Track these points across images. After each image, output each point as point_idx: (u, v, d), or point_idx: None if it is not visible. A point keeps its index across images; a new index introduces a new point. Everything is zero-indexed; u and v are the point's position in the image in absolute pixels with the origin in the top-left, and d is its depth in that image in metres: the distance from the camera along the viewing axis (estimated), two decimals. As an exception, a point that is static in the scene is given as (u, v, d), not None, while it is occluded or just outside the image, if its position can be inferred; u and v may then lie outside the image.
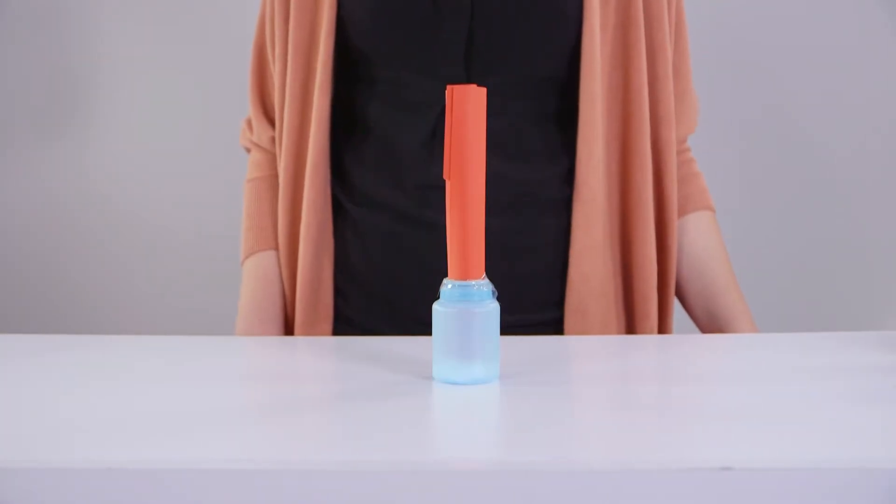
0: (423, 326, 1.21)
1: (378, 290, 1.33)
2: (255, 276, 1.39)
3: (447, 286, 0.98)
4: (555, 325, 1.31)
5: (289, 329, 1.38)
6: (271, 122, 1.42)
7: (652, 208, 1.33)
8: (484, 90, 0.97)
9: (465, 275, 0.98)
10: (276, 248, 1.39)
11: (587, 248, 1.29)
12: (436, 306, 0.98)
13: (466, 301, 0.97)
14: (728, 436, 0.84)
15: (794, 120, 1.95)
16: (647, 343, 1.25)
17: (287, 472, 0.77)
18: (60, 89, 2.00)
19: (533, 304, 1.31)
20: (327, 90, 1.32)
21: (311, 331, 1.34)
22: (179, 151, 2.01)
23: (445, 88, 1.16)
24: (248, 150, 1.47)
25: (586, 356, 1.10)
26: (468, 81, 1.27)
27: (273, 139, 1.41)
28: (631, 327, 1.35)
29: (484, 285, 0.98)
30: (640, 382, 0.99)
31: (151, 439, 0.84)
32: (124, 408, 0.94)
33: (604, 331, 1.31)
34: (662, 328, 1.37)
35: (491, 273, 1.02)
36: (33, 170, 2.01)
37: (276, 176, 1.41)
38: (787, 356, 1.09)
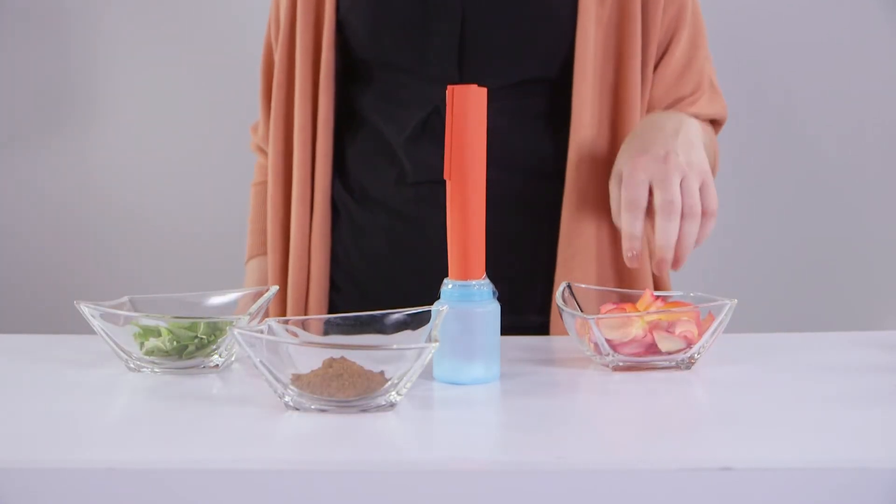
0: None
1: (370, 286, 1.34)
2: (255, 279, 1.44)
3: (447, 286, 0.98)
4: (540, 328, 1.30)
5: None
6: None
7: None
8: (484, 90, 0.97)
9: (465, 275, 0.98)
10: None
11: (578, 253, 1.28)
12: (436, 306, 0.98)
13: (467, 301, 0.97)
14: (728, 436, 0.84)
15: (794, 119, 1.95)
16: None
17: (286, 471, 0.77)
18: (60, 89, 2.00)
19: (522, 308, 1.30)
20: (331, 92, 1.33)
21: None
22: (180, 151, 2.01)
23: (437, 89, 1.16)
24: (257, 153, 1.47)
25: (586, 356, 1.10)
26: (461, 82, 1.27)
27: None
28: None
29: (484, 285, 0.98)
30: (639, 382, 0.99)
31: (152, 439, 0.84)
32: (125, 407, 0.94)
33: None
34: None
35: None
36: (33, 170, 2.01)
37: None
38: (787, 356, 1.09)
